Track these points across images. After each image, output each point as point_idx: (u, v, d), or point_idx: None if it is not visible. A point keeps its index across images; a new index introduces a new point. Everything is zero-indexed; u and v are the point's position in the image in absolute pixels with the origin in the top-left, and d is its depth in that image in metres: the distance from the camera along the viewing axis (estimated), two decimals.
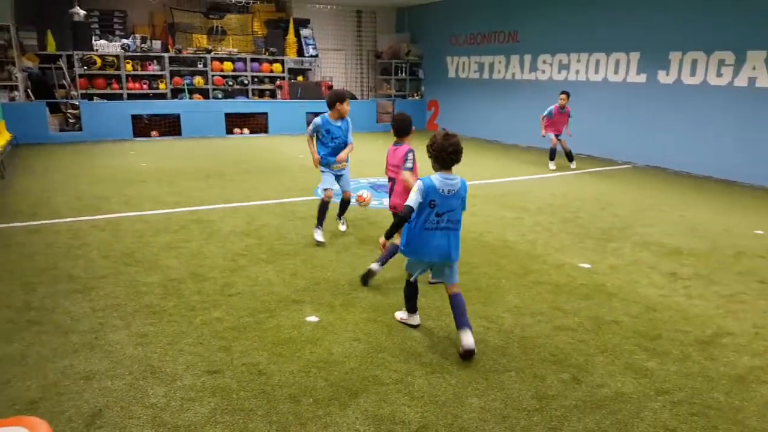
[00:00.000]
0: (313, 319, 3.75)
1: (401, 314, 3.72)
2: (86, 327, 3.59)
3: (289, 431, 2.59)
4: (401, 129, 4.44)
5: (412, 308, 3.64)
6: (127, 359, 3.20)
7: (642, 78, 10.28)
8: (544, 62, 12.26)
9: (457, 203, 3.23)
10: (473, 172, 9.12)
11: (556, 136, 9.77)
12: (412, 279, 3.53)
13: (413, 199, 3.17)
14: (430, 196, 3.15)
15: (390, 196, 4.52)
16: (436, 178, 3.20)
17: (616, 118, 10.86)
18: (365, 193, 5.72)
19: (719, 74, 9.01)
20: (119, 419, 2.65)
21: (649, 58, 10.09)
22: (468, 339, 3.20)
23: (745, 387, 3.02)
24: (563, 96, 9.58)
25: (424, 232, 3.20)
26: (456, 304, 3.34)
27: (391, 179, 4.50)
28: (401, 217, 3.23)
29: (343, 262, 4.87)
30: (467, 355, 3.18)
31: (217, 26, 14.67)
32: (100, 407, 2.74)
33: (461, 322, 3.28)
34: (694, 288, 4.42)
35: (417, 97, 16.36)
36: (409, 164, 4.13)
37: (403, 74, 16.30)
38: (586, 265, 4.89)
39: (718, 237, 5.82)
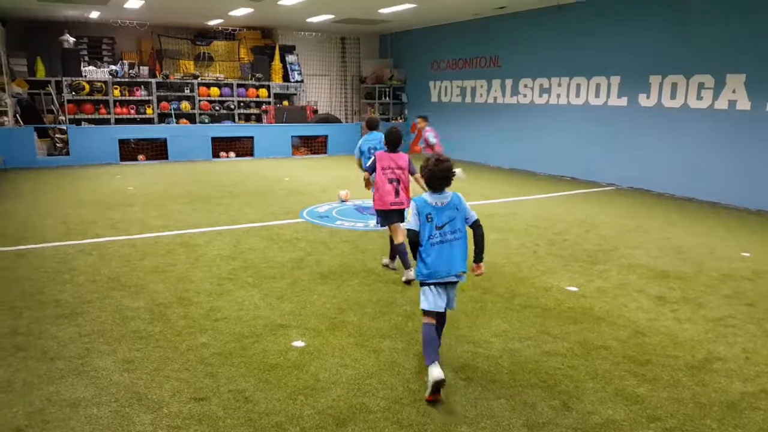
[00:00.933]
0: (299, 344, 3.74)
1: (433, 372, 3.06)
2: (72, 353, 3.55)
3: None
4: (395, 141, 5.17)
5: (432, 358, 3.15)
6: (113, 386, 3.16)
7: (623, 101, 10.51)
8: (526, 86, 12.50)
9: (455, 213, 3.30)
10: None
11: None
12: (428, 316, 3.30)
13: (412, 222, 3.28)
14: (425, 211, 3.27)
15: (396, 194, 5.11)
16: (427, 195, 3.33)
17: (598, 140, 11.06)
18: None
19: (699, 97, 9.22)
20: None
21: (629, 81, 10.34)
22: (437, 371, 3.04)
23: (738, 414, 3.01)
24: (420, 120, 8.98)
25: (432, 247, 3.25)
26: (440, 335, 3.40)
27: (394, 180, 5.11)
28: (412, 242, 3.32)
29: (330, 285, 4.87)
30: (438, 387, 3.04)
31: (204, 52, 14.81)
32: None
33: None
34: (682, 312, 4.44)
35: (400, 121, 16.57)
36: (413, 167, 5.01)
37: (387, 98, 16.54)
38: (574, 288, 4.92)
39: (704, 259, 5.87)
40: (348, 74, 17.14)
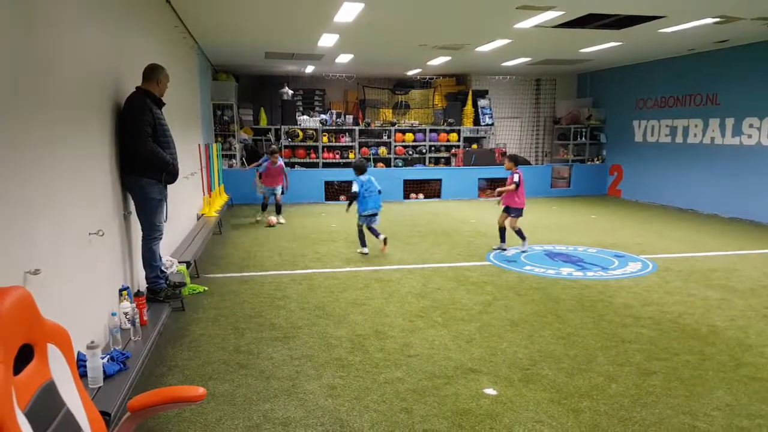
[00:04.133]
0: (491, 392, 3.69)
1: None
2: (285, 374, 3.96)
3: None
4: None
5: (363, 242, 7.93)
6: (319, 410, 3.45)
7: None
8: (751, 126, 10.99)
9: (372, 185, 7.77)
10: (664, 245, 8.36)
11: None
12: (360, 224, 7.90)
13: (355, 188, 7.68)
14: (363, 185, 7.62)
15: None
16: (363, 177, 7.76)
17: None
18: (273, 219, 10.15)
19: None
20: None
21: None
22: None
23: None
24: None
25: (363, 198, 7.66)
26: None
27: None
28: (352, 197, 7.79)
29: (522, 334, 4.74)
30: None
31: (401, 101, 15.83)
32: None
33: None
34: None
35: (597, 162, 15.67)
36: (515, 178, 7.89)
37: (583, 139, 15.78)
38: None
39: None
40: (541, 115, 16.80)
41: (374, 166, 14.66)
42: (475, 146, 15.71)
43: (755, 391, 3.70)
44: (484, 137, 15.99)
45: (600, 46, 10.98)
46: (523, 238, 8.08)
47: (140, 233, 4.50)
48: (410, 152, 15.21)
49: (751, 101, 10.96)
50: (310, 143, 14.57)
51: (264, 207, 10.70)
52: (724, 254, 7.94)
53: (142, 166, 4.26)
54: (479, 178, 14.64)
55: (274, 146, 11.03)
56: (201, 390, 2.01)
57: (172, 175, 4.46)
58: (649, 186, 13.63)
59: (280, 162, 10.44)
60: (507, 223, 8.08)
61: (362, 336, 4.67)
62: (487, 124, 15.57)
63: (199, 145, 9.49)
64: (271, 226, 10.15)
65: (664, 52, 12.14)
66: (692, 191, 12.35)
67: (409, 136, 15.14)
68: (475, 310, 5.38)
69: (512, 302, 5.63)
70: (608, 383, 3.82)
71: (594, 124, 15.61)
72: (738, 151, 11.29)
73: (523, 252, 7.95)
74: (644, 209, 12.61)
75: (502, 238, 8.15)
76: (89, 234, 3.49)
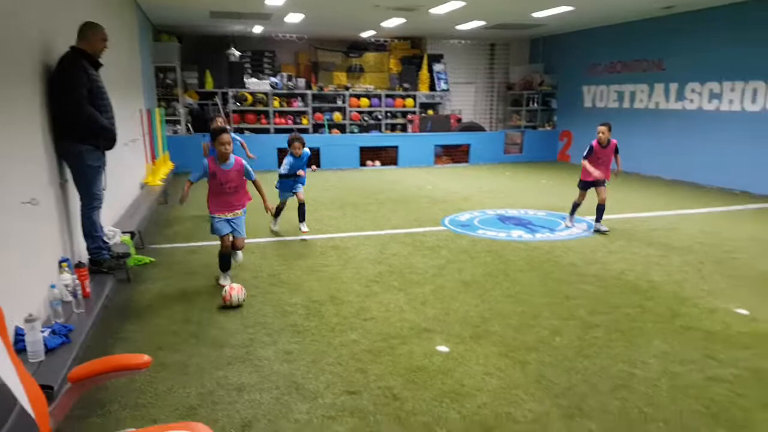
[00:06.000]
0: (443, 349, 3.79)
1: None
2: (238, 342, 3.94)
3: None
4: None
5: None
6: (274, 374, 3.46)
7: None
8: (693, 91, 11.38)
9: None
10: (609, 207, 8.65)
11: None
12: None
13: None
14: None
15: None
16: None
17: None
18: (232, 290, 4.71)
19: None
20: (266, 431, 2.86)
21: None
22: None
23: None
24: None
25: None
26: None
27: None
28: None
29: (473, 294, 4.86)
30: None
31: (356, 64, 15.58)
32: (250, 419, 2.97)
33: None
34: None
35: (549, 128, 15.95)
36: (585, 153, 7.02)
37: (535, 105, 16.00)
38: (744, 311, 4.42)
39: None
40: (495, 81, 16.91)
41: (329, 133, 14.47)
42: (431, 112, 15.70)
43: (688, 339, 3.93)
44: (440, 103, 15.99)
45: (552, 10, 11.06)
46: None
47: (79, 203, 4.32)
48: (366, 118, 15.08)
49: (693, 67, 11.32)
50: (260, 108, 14.20)
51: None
52: (664, 214, 8.30)
53: (78, 131, 4.05)
54: (435, 145, 14.69)
55: (218, 118, 8.44)
56: (146, 357, 1.98)
57: (110, 141, 4.27)
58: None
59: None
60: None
61: (318, 302, 4.68)
62: (443, 90, 15.56)
63: (140, 110, 9.10)
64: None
65: (612, 17, 12.34)
66: (637, 155, 12.76)
67: (365, 101, 14.98)
68: (430, 273, 5.46)
69: (465, 265, 5.74)
70: (553, 336, 3.98)
71: (546, 89, 15.82)
72: (681, 116, 11.70)
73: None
74: None
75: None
76: (22, 203, 3.33)
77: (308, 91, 14.54)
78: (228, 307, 4.56)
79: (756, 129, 10.07)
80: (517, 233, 7.08)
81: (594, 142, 7.10)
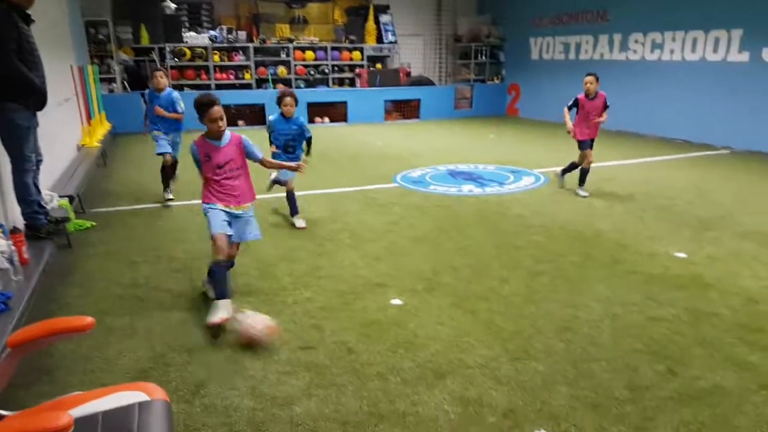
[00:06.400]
0: (397, 302, 3.84)
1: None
2: (188, 304, 3.87)
3: (378, 407, 2.69)
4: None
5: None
6: (226, 335, 3.42)
7: (744, 56, 9.52)
8: (636, 41, 11.63)
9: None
10: (556, 157, 8.86)
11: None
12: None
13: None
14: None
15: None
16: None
17: (714, 100, 10.15)
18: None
19: None
20: (221, 390, 2.84)
21: (752, 34, 9.32)
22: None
23: None
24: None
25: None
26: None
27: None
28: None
29: (425, 249, 4.92)
30: None
31: (299, 15, 15.03)
32: (203, 379, 2.95)
33: None
34: None
35: (497, 81, 16.02)
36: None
37: (483, 58, 15.98)
38: (682, 255, 4.67)
39: None
40: (443, 33, 16.71)
41: (274, 87, 14.03)
42: (379, 66, 15.44)
43: (629, 283, 4.13)
44: (388, 56, 15.71)
45: None
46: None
47: (9, 166, 4.06)
48: (312, 72, 14.68)
49: (637, 17, 11.53)
50: (199, 63, 13.58)
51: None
52: (608, 164, 8.57)
53: (6, 89, 3.77)
54: (385, 100, 14.53)
55: (156, 72, 7.02)
56: (89, 319, 1.91)
57: (40, 99, 4.00)
58: (544, 104, 14.21)
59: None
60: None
61: (270, 263, 4.62)
62: (390, 42, 15.29)
63: (71, 66, 8.54)
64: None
65: None
66: None
67: (310, 54, 14.54)
68: (382, 229, 5.48)
69: (417, 220, 5.78)
70: (502, 285, 4.09)
71: (493, 42, 15.80)
72: (625, 66, 11.97)
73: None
74: (539, 127, 13.20)
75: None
76: None
77: (250, 45, 13.97)
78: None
79: (696, 79, 10.44)
80: (468, 188, 7.17)
81: (580, 95, 6.56)
